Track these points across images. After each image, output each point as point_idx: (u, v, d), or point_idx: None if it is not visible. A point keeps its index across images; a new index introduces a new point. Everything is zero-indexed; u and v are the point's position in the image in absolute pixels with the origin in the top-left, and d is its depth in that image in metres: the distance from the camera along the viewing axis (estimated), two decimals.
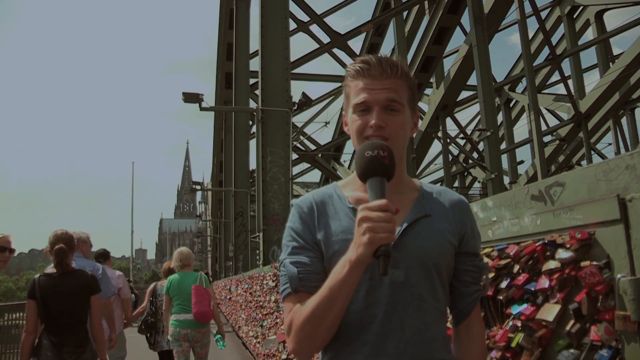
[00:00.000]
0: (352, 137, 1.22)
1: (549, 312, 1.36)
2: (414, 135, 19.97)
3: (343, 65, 19.51)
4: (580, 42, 20.83)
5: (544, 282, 1.38)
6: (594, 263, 1.24)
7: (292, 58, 12.80)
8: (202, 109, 12.72)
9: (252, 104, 18.54)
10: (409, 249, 1.14)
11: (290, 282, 1.15)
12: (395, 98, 1.17)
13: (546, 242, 1.40)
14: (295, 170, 24.01)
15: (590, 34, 20.85)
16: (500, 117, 23.06)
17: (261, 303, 6.99)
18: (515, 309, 1.49)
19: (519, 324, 1.48)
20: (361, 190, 1.20)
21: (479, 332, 1.24)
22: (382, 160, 1.05)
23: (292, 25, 14.95)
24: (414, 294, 1.13)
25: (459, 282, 1.22)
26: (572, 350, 1.29)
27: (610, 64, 19.57)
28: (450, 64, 19.16)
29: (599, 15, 19.96)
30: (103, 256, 5.42)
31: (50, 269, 3.58)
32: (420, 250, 1.14)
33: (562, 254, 1.33)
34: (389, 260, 0.97)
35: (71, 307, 3.43)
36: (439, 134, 19.22)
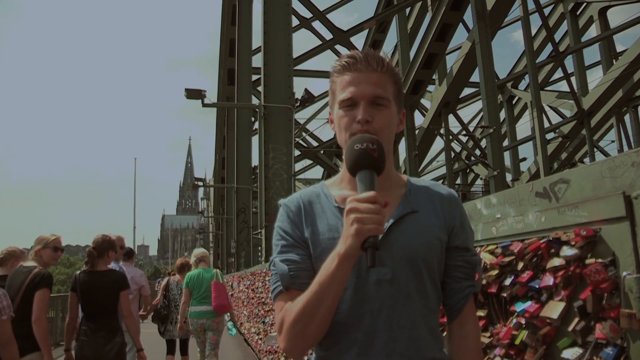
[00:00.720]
0: (338, 133, 1.20)
1: (554, 309, 1.35)
2: (416, 132, 20.08)
3: None
4: (583, 39, 20.73)
5: (549, 280, 1.38)
6: (599, 260, 1.24)
7: (295, 54, 12.77)
8: (204, 105, 12.72)
9: (255, 101, 18.50)
10: (395, 246, 1.13)
11: (282, 279, 1.15)
12: (381, 93, 1.16)
13: (551, 239, 1.39)
14: (298, 166, 23.93)
15: (593, 31, 20.74)
16: (502, 114, 23.02)
17: (263, 300, 7.00)
18: (519, 307, 1.49)
19: (523, 321, 1.48)
20: (348, 189, 1.20)
21: (473, 329, 1.21)
22: (371, 153, 1.04)
23: (295, 21, 14.92)
24: (401, 291, 1.12)
25: (450, 278, 1.20)
26: (576, 348, 1.29)
27: (614, 61, 19.47)
28: (452, 61, 19.08)
29: (603, 12, 19.86)
30: (127, 254, 5.69)
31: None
32: (406, 247, 1.13)
33: (567, 251, 1.33)
34: (376, 252, 0.97)
35: (103, 300, 3.95)
36: (442, 131, 19.15)
